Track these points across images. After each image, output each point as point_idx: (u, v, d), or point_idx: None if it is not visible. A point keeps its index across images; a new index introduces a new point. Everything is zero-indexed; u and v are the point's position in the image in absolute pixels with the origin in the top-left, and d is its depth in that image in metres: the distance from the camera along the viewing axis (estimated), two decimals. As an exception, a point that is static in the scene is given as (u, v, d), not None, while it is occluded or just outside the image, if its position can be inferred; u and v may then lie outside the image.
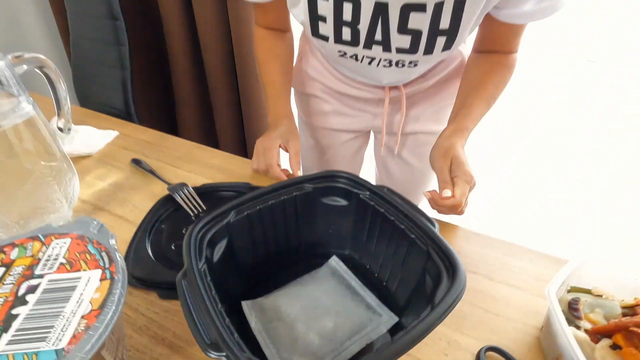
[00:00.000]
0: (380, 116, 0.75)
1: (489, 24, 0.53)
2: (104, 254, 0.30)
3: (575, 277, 0.38)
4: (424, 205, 0.53)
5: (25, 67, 0.43)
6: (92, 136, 0.68)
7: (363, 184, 0.38)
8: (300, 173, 0.60)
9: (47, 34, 1.33)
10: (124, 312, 0.40)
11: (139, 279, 0.42)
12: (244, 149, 1.28)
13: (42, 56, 0.45)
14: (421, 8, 0.47)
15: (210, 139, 1.30)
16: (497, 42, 0.57)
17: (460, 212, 0.49)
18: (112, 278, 0.28)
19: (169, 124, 1.34)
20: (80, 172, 0.54)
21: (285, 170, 0.60)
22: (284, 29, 0.67)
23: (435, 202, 0.48)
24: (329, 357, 0.32)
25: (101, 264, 0.29)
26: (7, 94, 0.41)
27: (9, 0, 1.20)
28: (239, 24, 1.03)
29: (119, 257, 0.30)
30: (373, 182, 0.38)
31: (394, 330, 0.35)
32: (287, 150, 0.61)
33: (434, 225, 0.33)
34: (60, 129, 0.51)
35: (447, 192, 0.46)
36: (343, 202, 0.39)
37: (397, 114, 0.74)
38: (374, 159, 0.90)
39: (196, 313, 0.26)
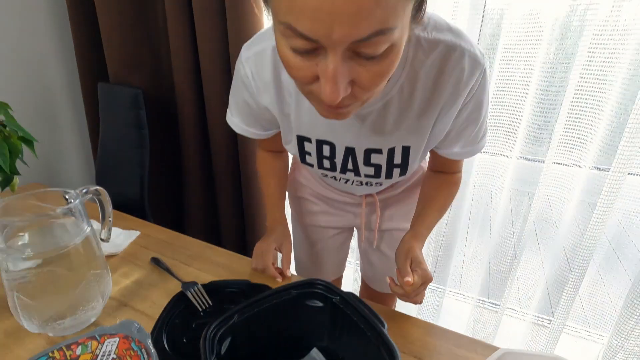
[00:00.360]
0: (359, 216, 0.90)
1: (435, 155, 0.71)
2: (143, 350, 0.41)
3: (502, 365, 0.49)
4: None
5: (89, 197, 0.59)
6: (118, 237, 0.81)
7: (335, 291, 0.51)
8: (290, 270, 0.73)
9: (78, 133, 1.56)
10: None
11: (157, 369, 0.52)
12: (244, 245, 1.43)
13: (100, 187, 0.61)
14: (379, 151, 0.64)
15: (213, 235, 1.46)
16: (444, 166, 0.74)
17: (416, 302, 0.61)
18: (149, 370, 0.39)
19: (177, 217, 1.51)
20: (110, 271, 0.66)
21: (278, 269, 0.73)
22: (280, 151, 0.85)
23: (394, 285, 0.60)
24: None
25: (142, 358, 0.40)
26: (74, 220, 0.55)
27: (51, 110, 1.45)
28: (244, 145, 1.26)
29: (154, 353, 0.41)
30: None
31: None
32: (281, 252, 0.75)
33: (383, 326, 0.45)
34: (102, 239, 0.65)
35: (408, 278, 0.59)
36: (320, 304, 0.51)
37: (373, 214, 0.89)
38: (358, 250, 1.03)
39: (209, 397, 0.37)
